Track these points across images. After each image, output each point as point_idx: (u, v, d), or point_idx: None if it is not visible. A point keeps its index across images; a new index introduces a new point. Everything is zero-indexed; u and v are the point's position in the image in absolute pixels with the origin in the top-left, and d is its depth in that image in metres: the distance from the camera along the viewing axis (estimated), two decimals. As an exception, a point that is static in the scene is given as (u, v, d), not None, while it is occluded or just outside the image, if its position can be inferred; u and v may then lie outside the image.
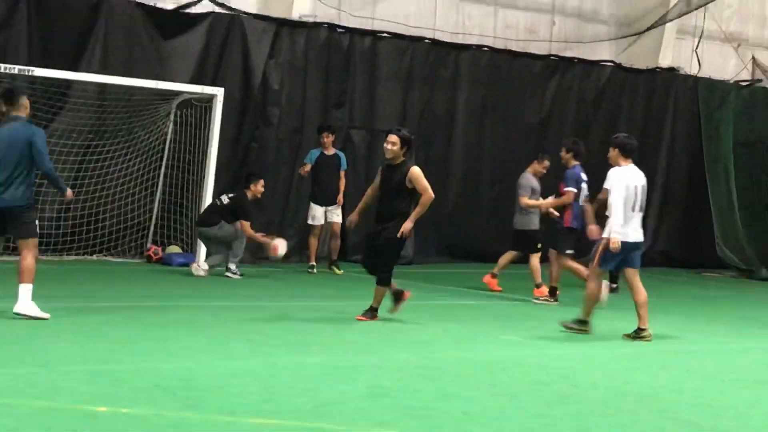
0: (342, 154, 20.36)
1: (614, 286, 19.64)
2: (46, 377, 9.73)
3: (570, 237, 17.42)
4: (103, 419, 8.42)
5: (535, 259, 18.39)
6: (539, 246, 18.44)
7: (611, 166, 14.37)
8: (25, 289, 12.79)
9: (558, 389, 10.64)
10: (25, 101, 13.16)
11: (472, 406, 9.64)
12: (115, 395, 9.20)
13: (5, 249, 14.07)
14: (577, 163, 17.55)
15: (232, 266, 18.58)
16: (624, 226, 14.10)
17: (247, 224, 18.39)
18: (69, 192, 13.58)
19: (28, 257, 12.82)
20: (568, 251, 17.42)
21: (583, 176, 17.41)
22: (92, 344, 11.48)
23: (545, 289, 17.94)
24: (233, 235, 18.42)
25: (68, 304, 14.14)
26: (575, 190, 17.20)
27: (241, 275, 18.60)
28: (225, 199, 18.51)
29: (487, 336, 14.00)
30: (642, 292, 14.23)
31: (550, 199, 17.91)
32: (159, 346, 11.63)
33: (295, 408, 9.18)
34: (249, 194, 18.63)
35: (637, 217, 14.37)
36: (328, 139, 20.08)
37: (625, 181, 14.18)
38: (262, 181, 18.66)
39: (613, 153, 14.63)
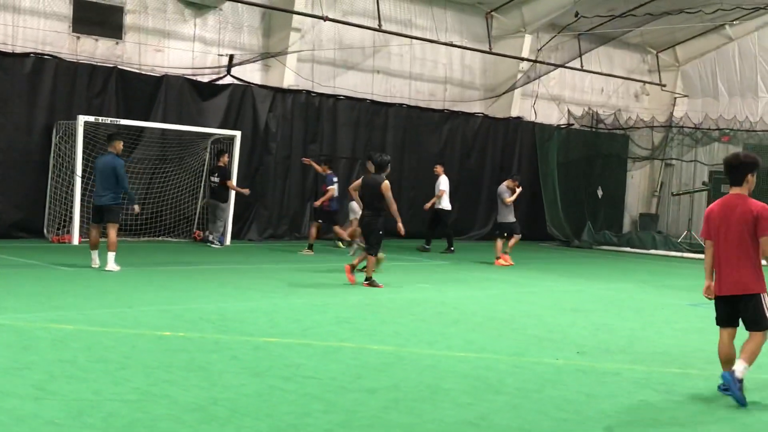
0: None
1: (427, 247, 20.07)
2: (131, 314, 9.76)
3: None
4: (168, 339, 8.42)
5: (499, 242, 18.40)
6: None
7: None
8: (111, 256, 13.51)
9: (452, 316, 10.77)
10: (117, 144, 13.97)
11: (399, 328, 9.78)
12: (175, 325, 9.25)
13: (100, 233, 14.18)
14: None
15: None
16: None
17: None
18: (137, 207, 14.19)
19: (112, 234, 13.62)
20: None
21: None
22: (160, 293, 11.54)
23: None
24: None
25: (143, 268, 14.10)
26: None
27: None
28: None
29: (410, 284, 14.05)
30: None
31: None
32: (202, 293, 11.68)
33: (290, 331, 9.27)
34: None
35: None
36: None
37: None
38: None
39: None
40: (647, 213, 29.77)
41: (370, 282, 13.25)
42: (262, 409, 6.21)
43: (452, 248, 20.30)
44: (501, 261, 17.96)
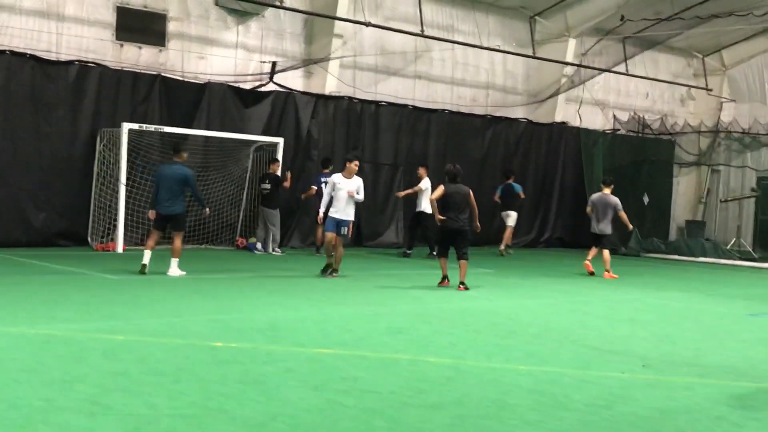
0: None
1: (409, 252, 19.82)
2: (181, 324, 9.58)
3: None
4: (221, 350, 8.22)
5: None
6: None
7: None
8: (175, 262, 13.82)
9: (507, 327, 10.46)
10: (183, 154, 14.36)
11: (454, 339, 9.48)
12: (226, 335, 9.05)
13: (162, 238, 14.66)
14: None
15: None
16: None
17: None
18: (207, 210, 14.26)
19: (178, 242, 13.96)
20: None
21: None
22: (208, 302, 11.33)
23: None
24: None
25: (189, 276, 13.95)
26: None
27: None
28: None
29: (457, 293, 13.72)
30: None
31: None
32: (249, 303, 11.47)
33: (343, 342, 9.02)
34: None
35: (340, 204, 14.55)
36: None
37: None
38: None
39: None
40: (693, 220, 29.18)
41: (465, 286, 13.73)
42: (323, 425, 5.96)
43: (434, 252, 19.76)
44: (608, 274, 17.24)
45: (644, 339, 10.10)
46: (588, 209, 18.07)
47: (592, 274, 17.31)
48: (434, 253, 19.70)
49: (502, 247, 21.85)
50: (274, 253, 18.62)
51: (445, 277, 14.13)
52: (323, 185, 16.61)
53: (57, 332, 8.63)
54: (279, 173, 18.96)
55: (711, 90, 29.23)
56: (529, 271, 18.02)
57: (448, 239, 14.19)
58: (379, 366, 7.84)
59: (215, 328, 9.32)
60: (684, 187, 29.59)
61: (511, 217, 22.18)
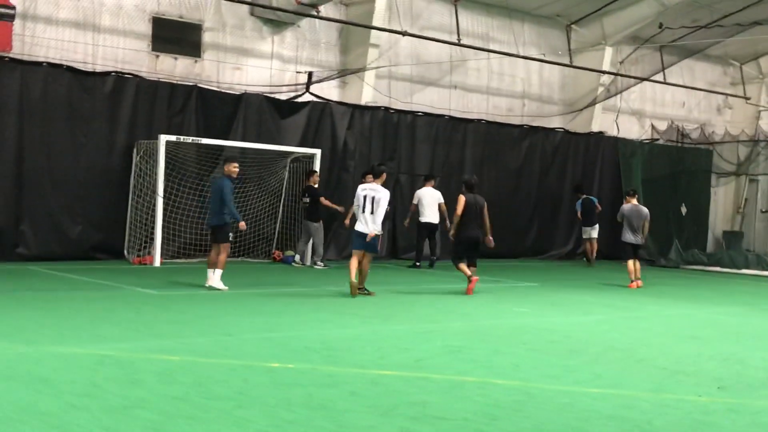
0: None
1: (418, 264, 19.53)
2: (233, 343, 9.29)
3: None
4: (279, 372, 7.91)
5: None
6: None
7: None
8: (218, 273, 13.71)
9: (566, 346, 10.09)
10: (229, 166, 14.18)
11: (516, 359, 9.12)
12: (281, 355, 8.75)
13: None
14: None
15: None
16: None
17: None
18: (242, 224, 14.00)
19: (223, 254, 13.81)
20: None
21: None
22: (256, 318, 11.08)
23: None
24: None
25: (231, 291, 13.61)
26: None
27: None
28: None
29: (505, 309, 13.40)
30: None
31: None
32: (298, 319, 11.15)
33: (402, 362, 8.69)
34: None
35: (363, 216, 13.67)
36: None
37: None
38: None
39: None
40: (731, 231, 28.66)
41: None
42: (401, 456, 5.63)
43: (418, 264, 19.54)
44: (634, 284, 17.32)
45: (711, 358, 9.70)
46: (619, 219, 17.79)
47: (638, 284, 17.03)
48: (418, 264, 19.46)
49: (593, 258, 22.66)
50: (316, 267, 18.30)
51: (470, 278, 14.45)
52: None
53: (107, 352, 8.35)
54: (317, 185, 18.64)
55: (749, 98, 28.72)
56: (572, 284, 17.62)
57: (469, 248, 14.74)
58: (445, 389, 7.50)
59: (268, 348, 9.01)
60: (721, 197, 29.07)
61: (595, 230, 22.84)
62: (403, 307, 12.77)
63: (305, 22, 20.51)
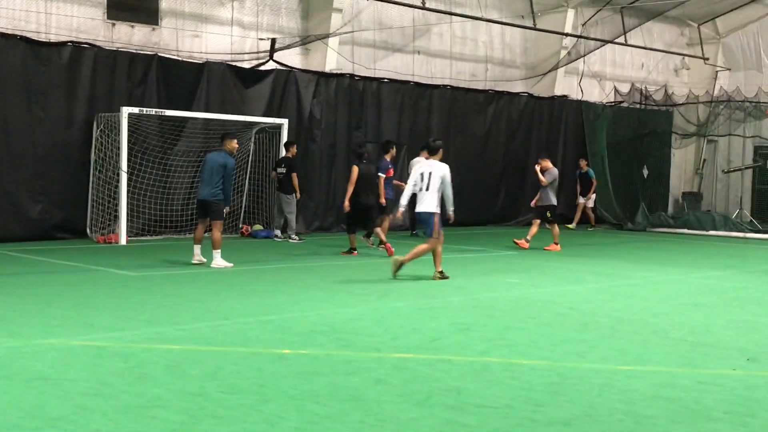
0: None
1: (415, 232, 19.14)
2: (233, 328, 8.78)
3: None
4: (293, 359, 7.44)
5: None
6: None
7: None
8: (216, 253, 13.17)
9: (575, 319, 9.75)
10: (231, 142, 13.66)
11: (531, 335, 8.79)
12: (288, 339, 8.28)
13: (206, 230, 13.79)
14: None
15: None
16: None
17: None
18: (227, 207, 13.42)
19: (215, 232, 13.33)
20: None
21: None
22: (247, 299, 10.54)
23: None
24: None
25: (207, 268, 13.02)
26: None
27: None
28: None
29: (496, 280, 13.01)
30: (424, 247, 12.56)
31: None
32: (291, 299, 10.65)
33: (417, 344, 8.29)
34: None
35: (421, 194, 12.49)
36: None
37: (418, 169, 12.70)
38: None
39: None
40: (690, 192, 28.74)
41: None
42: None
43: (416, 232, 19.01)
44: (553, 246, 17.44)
45: (724, 327, 9.44)
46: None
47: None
48: (415, 232, 19.14)
49: (594, 224, 23.70)
50: (290, 240, 17.74)
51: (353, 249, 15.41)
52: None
53: (103, 343, 7.77)
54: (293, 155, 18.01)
55: (708, 59, 28.70)
56: (541, 252, 17.25)
57: (364, 217, 15.51)
58: (471, 372, 7.08)
59: (272, 332, 8.49)
60: (681, 159, 29.11)
61: (591, 200, 23.70)
62: (393, 282, 12.30)
63: (265, -13, 19.80)
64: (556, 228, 17.68)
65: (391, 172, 16.81)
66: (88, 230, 16.87)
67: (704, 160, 29.19)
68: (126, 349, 7.57)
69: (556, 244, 17.43)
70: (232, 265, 13.25)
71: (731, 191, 28.13)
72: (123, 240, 16.36)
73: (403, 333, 8.63)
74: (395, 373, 6.99)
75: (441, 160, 12.59)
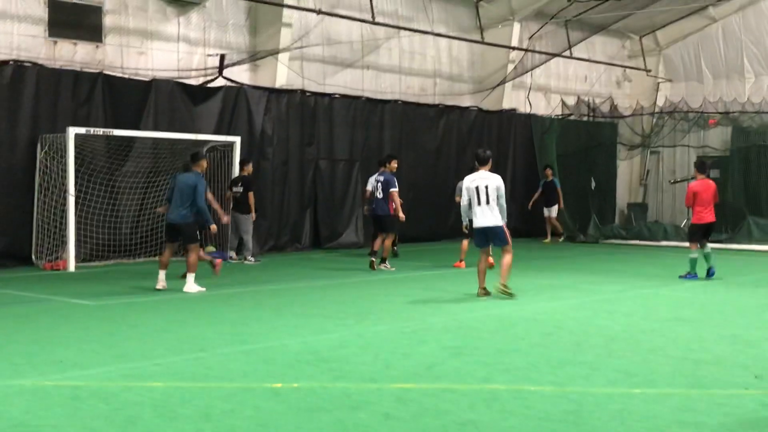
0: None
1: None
2: (213, 361, 8.27)
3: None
4: (287, 394, 6.96)
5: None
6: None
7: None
8: (190, 277, 12.62)
9: (566, 338, 9.43)
10: (203, 162, 13.17)
11: (528, 359, 8.42)
12: (274, 371, 7.84)
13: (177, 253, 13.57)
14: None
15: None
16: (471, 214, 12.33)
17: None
18: (213, 226, 12.74)
19: (191, 255, 12.78)
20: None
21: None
22: (217, 328, 9.97)
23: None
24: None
25: (166, 295, 12.41)
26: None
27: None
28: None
29: (472, 299, 12.49)
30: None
31: None
32: (265, 326, 10.18)
33: (412, 371, 7.89)
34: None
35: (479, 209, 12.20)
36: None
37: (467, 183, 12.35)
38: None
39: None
40: (636, 202, 28.86)
41: None
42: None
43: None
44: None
45: (716, 342, 9.22)
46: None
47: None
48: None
49: (559, 234, 23.55)
50: (247, 262, 17.15)
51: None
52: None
53: (77, 382, 7.17)
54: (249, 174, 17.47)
55: (650, 71, 28.92)
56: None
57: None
58: (481, 402, 6.67)
59: (256, 363, 7.97)
60: (626, 170, 29.22)
61: (554, 210, 23.39)
62: (366, 303, 11.86)
63: (211, 2, 19.23)
64: (465, 244, 16.76)
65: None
66: (33, 256, 16.07)
67: (648, 171, 29.35)
68: (104, 389, 6.98)
69: (462, 261, 16.70)
70: (204, 289, 12.66)
71: (677, 201, 28.29)
72: (72, 266, 15.60)
73: (395, 360, 8.19)
74: (401, 406, 6.55)
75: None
